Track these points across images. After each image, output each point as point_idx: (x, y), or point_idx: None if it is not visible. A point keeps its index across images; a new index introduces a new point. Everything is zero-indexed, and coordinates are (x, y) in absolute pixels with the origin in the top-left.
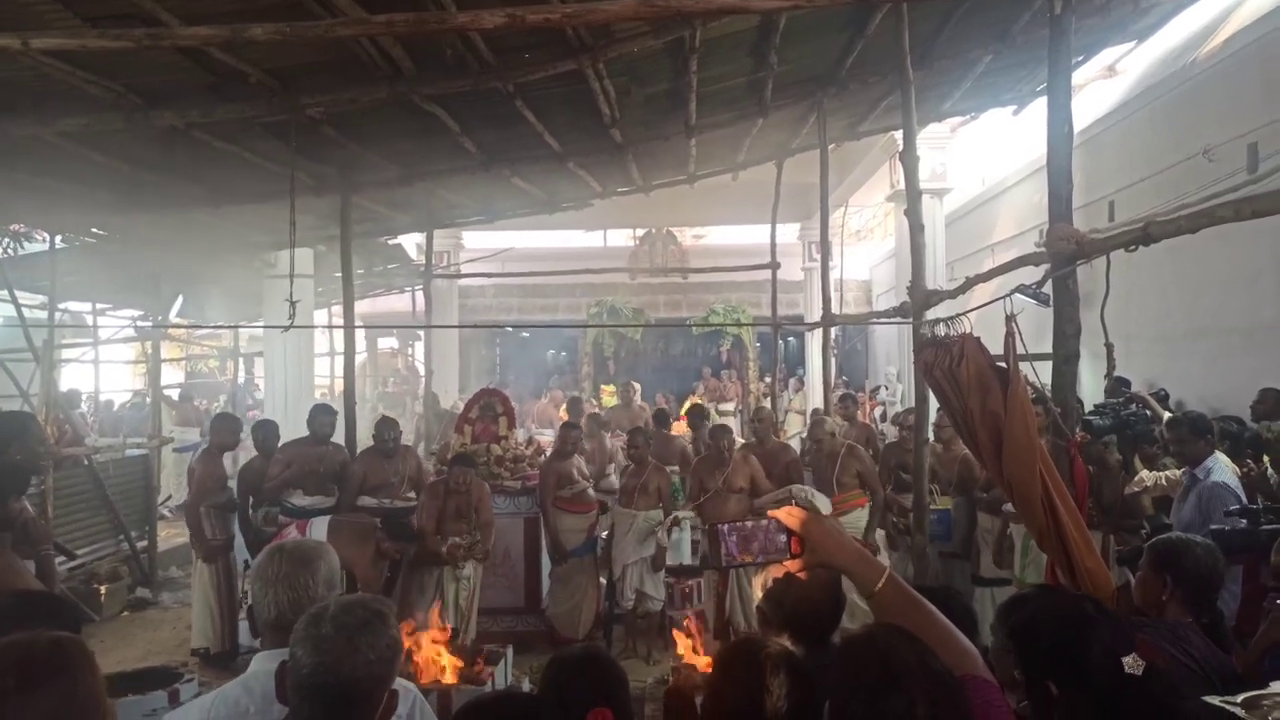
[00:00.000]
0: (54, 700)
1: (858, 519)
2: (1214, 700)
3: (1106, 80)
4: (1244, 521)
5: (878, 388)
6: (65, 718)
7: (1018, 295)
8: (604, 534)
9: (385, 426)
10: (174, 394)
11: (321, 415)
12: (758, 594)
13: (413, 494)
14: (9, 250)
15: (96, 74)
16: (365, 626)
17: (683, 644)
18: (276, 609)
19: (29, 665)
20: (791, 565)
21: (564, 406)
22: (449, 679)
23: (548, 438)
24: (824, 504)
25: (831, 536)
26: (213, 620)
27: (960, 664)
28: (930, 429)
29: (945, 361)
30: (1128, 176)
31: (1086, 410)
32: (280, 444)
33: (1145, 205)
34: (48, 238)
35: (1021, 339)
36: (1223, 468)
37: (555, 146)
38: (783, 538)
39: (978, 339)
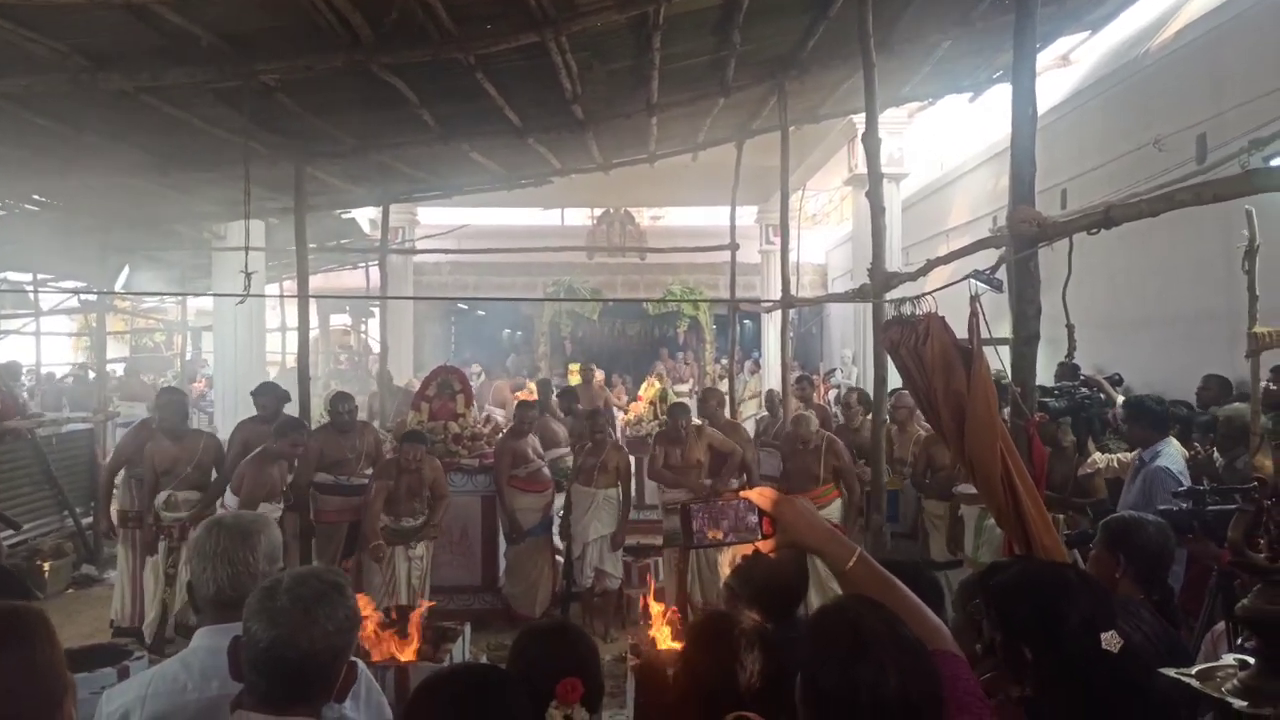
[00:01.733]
0: (11, 670)
1: (832, 513)
2: (1170, 672)
3: (1060, 70)
4: (1189, 502)
5: (832, 370)
6: (22, 688)
7: (971, 280)
8: (559, 512)
9: (339, 400)
10: (118, 369)
11: (261, 395)
12: (725, 571)
13: (370, 471)
14: None
15: (40, 32)
16: (322, 598)
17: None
18: (215, 585)
19: None
20: (763, 546)
21: (524, 388)
22: (406, 656)
23: (500, 417)
24: None
25: (803, 517)
26: (122, 594)
27: (931, 640)
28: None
29: (910, 340)
30: (1080, 165)
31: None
32: (238, 422)
33: (1097, 194)
34: None
35: (986, 320)
36: (1172, 452)
37: (515, 121)
38: (753, 518)
39: (943, 318)
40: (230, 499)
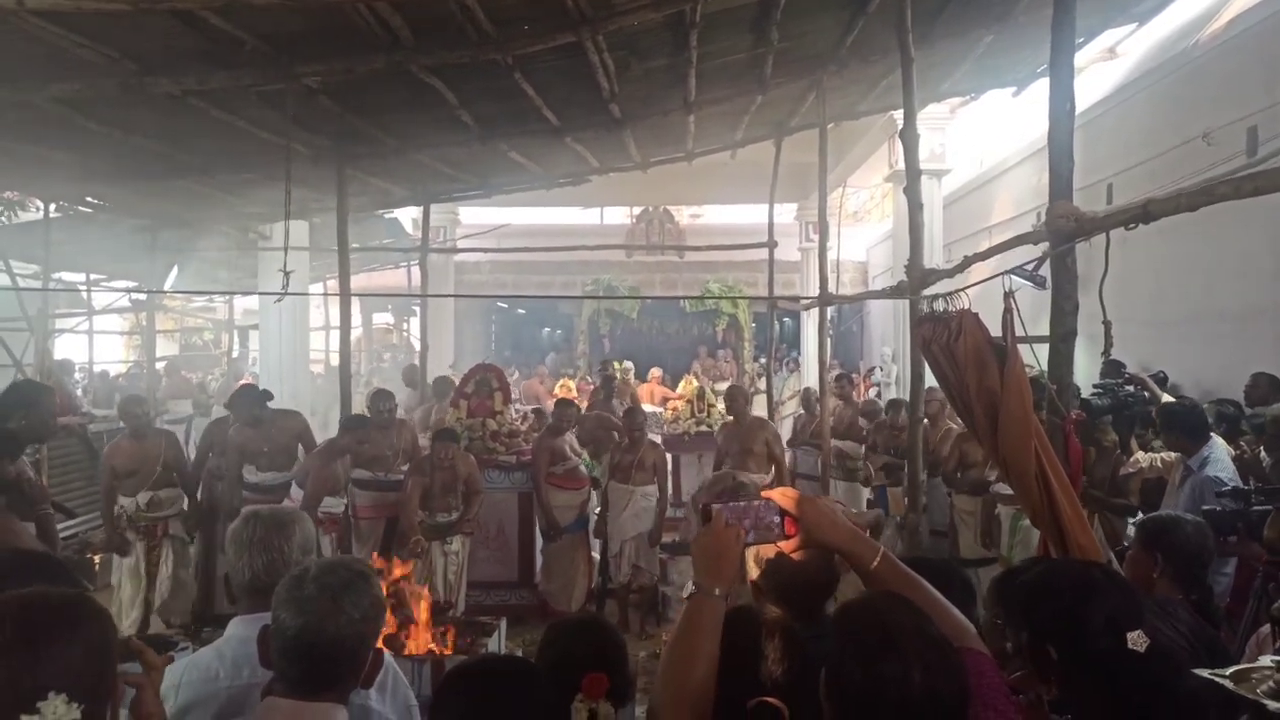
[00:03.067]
0: (79, 649)
1: None
2: (1204, 673)
3: (1106, 63)
4: (1237, 503)
5: (872, 369)
6: (85, 668)
7: (1007, 276)
8: (596, 510)
9: (380, 398)
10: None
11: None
12: (752, 568)
13: (407, 467)
14: (3, 218)
15: (90, 38)
16: (348, 586)
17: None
18: (251, 571)
19: (44, 615)
20: (785, 546)
21: (558, 385)
22: (443, 649)
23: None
24: None
25: (826, 516)
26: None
27: (957, 637)
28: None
29: (943, 336)
30: (1126, 160)
31: (1084, 392)
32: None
33: (1143, 188)
34: (42, 206)
35: (1020, 317)
36: (1220, 457)
37: (553, 121)
38: (775, 518)
39: (976, 315)
40: (296, 492)
